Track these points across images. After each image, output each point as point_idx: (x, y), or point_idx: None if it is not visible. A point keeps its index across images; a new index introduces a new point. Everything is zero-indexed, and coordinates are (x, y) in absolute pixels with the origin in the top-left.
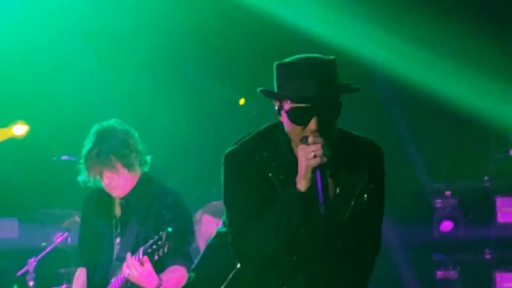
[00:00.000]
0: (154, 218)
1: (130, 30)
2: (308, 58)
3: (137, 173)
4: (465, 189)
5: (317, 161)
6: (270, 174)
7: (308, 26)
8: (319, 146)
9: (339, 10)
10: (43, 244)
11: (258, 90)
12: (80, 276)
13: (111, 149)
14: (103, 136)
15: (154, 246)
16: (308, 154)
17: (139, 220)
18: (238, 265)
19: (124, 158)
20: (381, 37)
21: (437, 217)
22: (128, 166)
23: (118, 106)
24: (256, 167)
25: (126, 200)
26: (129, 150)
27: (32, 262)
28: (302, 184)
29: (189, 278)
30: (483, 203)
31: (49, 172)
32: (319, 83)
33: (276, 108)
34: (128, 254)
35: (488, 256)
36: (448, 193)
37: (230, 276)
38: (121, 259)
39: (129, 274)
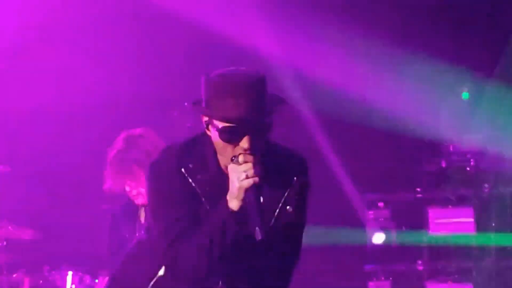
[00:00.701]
0: None
1: None
2: (237, 74)
3: None
4: (397, 200)
5: (249, 182)
6: (195, 186)
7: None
8: (250, 165)
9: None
10: None
11: (186, 104)
12: None
13: (134, 158)
14: (129, 143)
15: None
16: (240, 175)
17: None
18: (160, 273)
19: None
20: (306, 44)
21: (369, 228)
22: None
23: None
24: (181, 179)
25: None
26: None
27: None
28: (234, 204)
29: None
30: (416, 214)
31: None
32: (250, 102)
33: (205, 121)
34: None
35: (420, 267)
36: (380, 204)
37: (151, 283)
38: None
39: None
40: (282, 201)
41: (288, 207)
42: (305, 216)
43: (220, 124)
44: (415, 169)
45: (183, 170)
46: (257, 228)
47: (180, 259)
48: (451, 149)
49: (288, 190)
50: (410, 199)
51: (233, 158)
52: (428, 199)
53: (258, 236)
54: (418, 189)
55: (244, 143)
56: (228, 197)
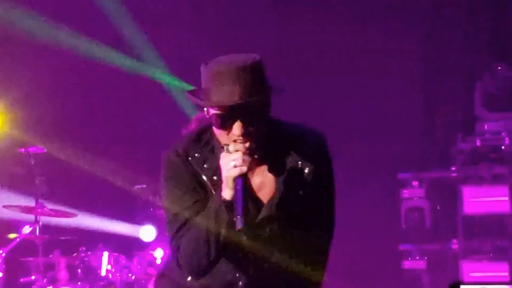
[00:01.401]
0: None
1: None
2: (232, 61)
3: None
4: (432, 179)
5: (236, 171)
6: (203, 176)
7: None
8: (239, 154)
9: None
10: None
11: (186, 93)
12: None
13: None
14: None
15: None
16: (227, 164)
17: None
18: None
19: None
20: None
21: (404, 207)
22: None
23: None
24: (189, 169)
25: None
26: None
27: (0, 254)
28: (226, 193)
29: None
30: (450, 193)
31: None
32: (243, 87)
33: (205, 111)
34: None
35: (455, 246)
36: (415, 183)
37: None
38: None
39: None
40: (305, 178)
41: (312, 183)
42: (333, 189)
43: (213, 111)
44: (449, 148)
45: (190, 159)
46: (238, 216)
47: (181, 249)
48: (486, 127)
49: (309, 166)
50: (444, 178)
51: (224, 146)
52: (463, 177)
53: (239, 225)
54: (453, 168)
55: (236, 129)
56: (222, 186)
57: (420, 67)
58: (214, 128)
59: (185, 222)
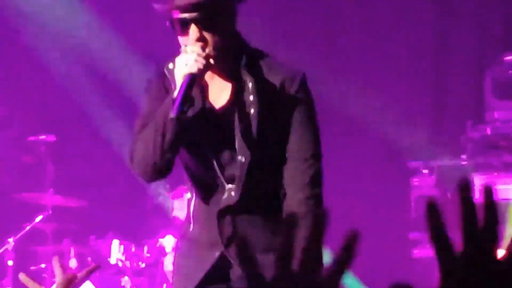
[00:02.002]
0: None
1: None
2: None
3: None
4: (442, 167)
5: (186, 69)
6: (172, 86)
7: None
8: (193, 55)
9: None
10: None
11: (153, 5)
12: None
13: None
14: None
15: None
16: (180, 64)
17: None
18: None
19: None
20: None
21: (414, 195)
22: None
23: None
24: (163, 81)
25: None
26: None
27: (10, 242)
28: (176, 91)
29: None
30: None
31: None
32: None
33: (169, 23)
34: None
35: None
36: (425, 171)
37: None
38: None
39: None
40: (284, 116)
41: (291, 120)
42: (316, 127)
43: (175, 17)
44: (460, 136)
45: (165, 72)
46: (175, 105)
47: (135, 153)
48: (496, 116)
49: (288, 104)
50: (455, 166)
51: (183, 48)
52: (473, 166)
53: (172, 113)
54: (463, 156)
55: (192, 33)
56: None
57: (430, 55)
58: (178, 38)
59: (142, 127)
